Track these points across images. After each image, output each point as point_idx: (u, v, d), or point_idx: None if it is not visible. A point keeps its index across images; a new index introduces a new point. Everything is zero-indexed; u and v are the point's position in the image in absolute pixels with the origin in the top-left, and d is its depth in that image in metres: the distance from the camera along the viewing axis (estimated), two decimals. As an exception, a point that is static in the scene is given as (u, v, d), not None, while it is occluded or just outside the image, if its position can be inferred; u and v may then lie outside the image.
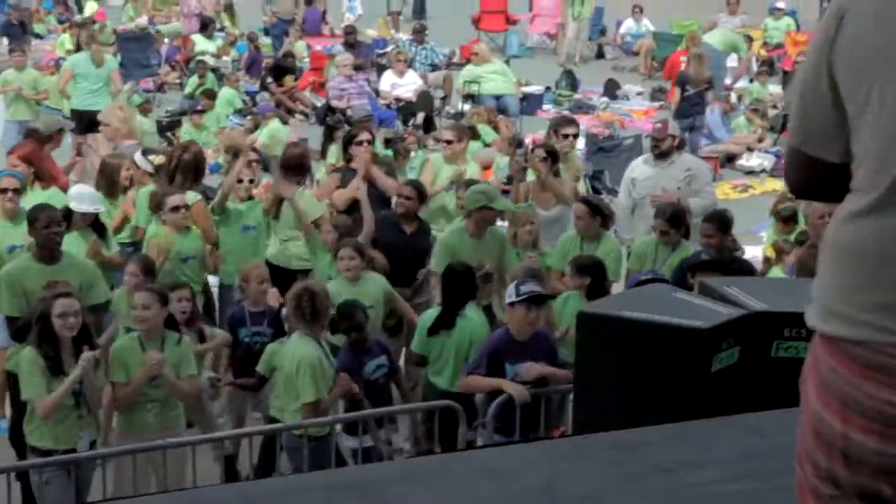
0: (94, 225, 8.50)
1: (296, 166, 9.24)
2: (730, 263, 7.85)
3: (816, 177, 2.34)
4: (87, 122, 13.77)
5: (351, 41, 20.29)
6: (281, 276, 8.52)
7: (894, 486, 2.20)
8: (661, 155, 9.74)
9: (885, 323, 2.14)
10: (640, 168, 9.98)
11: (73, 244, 8.08)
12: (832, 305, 2.23)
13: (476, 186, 8.74)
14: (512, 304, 6.75)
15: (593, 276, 7.56)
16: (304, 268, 8.88)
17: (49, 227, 7.44)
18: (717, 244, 8.08)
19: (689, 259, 7.93)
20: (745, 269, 8.15)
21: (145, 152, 9.92)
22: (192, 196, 8.80)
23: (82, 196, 8.62)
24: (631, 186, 9.75)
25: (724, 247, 8.18)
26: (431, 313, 7.57)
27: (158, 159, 9.54)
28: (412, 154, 12.42)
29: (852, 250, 2.21)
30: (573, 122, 11.20)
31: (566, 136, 10.38)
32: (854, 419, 2.19)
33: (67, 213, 8.16)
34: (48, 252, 7.48)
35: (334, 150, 11.21)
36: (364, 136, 9.88)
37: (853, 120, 2.22)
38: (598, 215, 8.58)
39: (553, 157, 9.64)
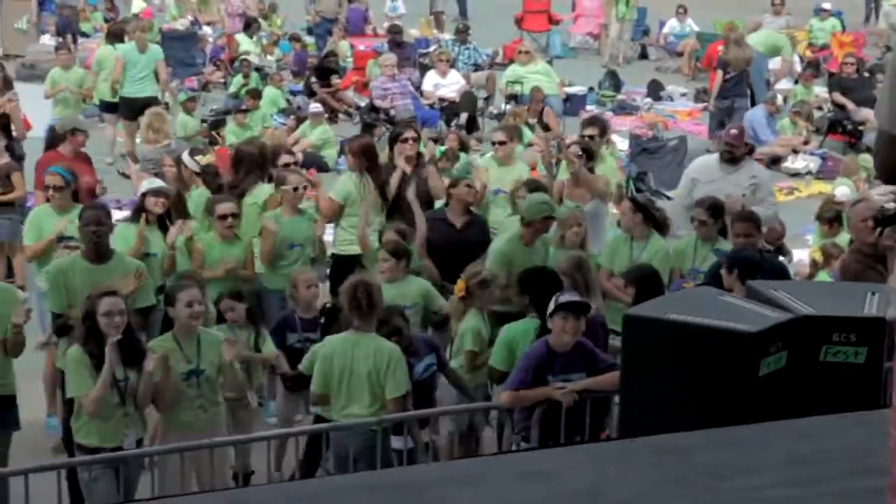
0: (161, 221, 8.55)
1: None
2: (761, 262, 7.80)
3: None
4: (137, 109, 14.33)
5: (397, 40, 20.30)
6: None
7: None
8: (732, 160, 9.60)
9: None
10: (703, 169, 9.86)
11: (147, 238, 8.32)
12: None
13: (537, 196, 8.54)
14: (552, 314, 6.62)
15: (640, 287, 7.51)
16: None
17: (88, 226, 7.50)
18: (753, 243, 8.06)
19: (730, 255, 7.84)
20: (776, 268, 8.08)
21: (192, 152, 9.96)
22: (266, 189, 8.94)
23: (152, 181, 8.80)
24: (692, 186, 9.67)
25: (757, 246, 8.19)
26: (518, 328, 7.22)
27: (206, 159, 9.59)
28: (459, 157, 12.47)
29: None
30: (596, 122, 11.22)
31: (591, 137, 10.40)
32: None
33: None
34: (94, 250, 7.54)
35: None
36: (409, 133, 9.88)
37: None
38: (643, 214, 8.55)
39: (588, 154, 9.63)
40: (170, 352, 6.62)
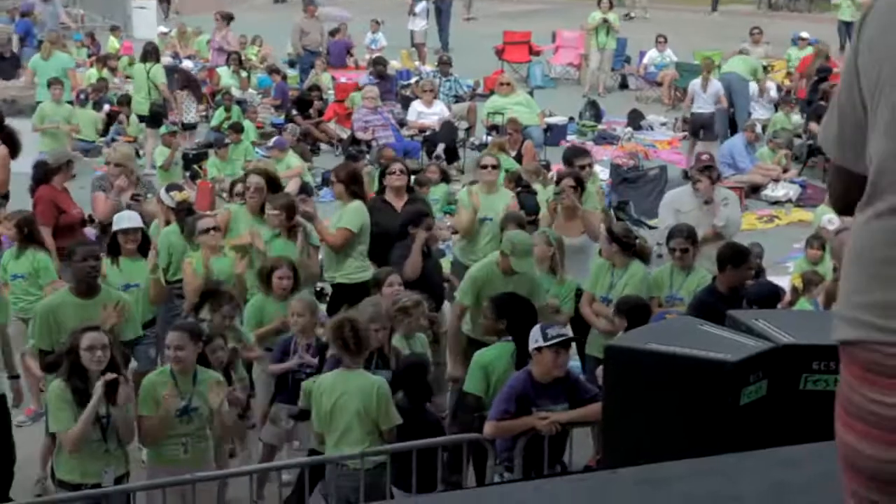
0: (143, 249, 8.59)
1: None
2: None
3: (854, 191, 2.24)
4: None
5: (381, 72, 20.35)
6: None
7: (888, 497, 2.12)
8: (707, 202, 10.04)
9: (877, 321, 2.09)
10: (684, 201, 10.17)
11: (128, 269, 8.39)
12: (840, 311, 2.20)
13: (515, 235, 8.52)
14: (539, 348, 6.60)
15: (631, 318, 7.54)
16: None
17: (87, 261, 7.50)
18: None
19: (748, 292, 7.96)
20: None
21: (169, 188, 9.92)
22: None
23: (121, 217, 8.74)
24: (675, 217, 9.82)
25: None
26: (491, 352, 7.27)
27: (181, 195, 9.53)
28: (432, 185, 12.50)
29: (856, 253, 2.18)
30: (587, 153, 11.38)
31: (582, 167, 10.47)
32: (853, 424, 2.13)
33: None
34: (84, 286, 7.53)
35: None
36: (396, 166, 10.06)
37: (869, 128, 2.19)
38: (618, 244, 8.60)
39: (581, 185, 9.71)
40: (164, 387, 6.61)
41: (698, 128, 18.17)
